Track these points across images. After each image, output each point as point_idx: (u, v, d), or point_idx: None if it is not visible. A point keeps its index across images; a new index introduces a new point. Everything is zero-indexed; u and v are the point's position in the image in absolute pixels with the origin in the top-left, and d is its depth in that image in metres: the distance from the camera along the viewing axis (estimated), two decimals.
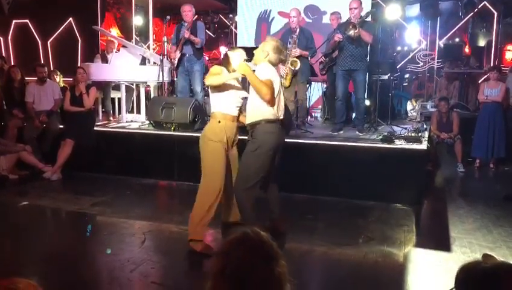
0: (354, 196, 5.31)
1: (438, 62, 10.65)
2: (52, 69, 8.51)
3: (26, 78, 7.49)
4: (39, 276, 3.42)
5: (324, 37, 7.00)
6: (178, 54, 6.87)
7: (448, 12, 11.01)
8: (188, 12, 6.86)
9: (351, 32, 6.00)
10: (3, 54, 9.55)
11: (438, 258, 3.79)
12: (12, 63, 8.94)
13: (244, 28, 9.36)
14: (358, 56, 6.20)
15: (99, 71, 7.45)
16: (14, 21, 10.21)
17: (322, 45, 6.93)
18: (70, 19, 9.94)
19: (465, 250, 3.91)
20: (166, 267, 3.71)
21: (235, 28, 9.76)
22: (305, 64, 6.66)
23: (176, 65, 7.00)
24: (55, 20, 9.94)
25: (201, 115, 6.55)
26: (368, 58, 7.01)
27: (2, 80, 7.44)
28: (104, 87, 8.16)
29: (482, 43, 11.03)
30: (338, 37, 6.20)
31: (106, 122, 7.49)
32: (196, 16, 7.36)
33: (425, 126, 6.93)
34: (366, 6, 7.63)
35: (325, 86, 7.89)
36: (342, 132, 6.38)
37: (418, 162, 5.34)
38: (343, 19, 6.91)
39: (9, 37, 10.38)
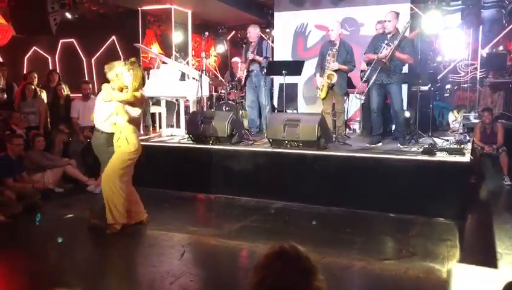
0: (394, 209, 5.20)
1: (480, 72, 10.32)
2: (96, 85, 8.81)
3: (72, 95, 7.81)
4: (82, 287, 3.52)
5: (362, 50, 6.89)
6: (245, 72, 7.39)
7: (491, 20, 10.66)
8: (250, 33, 7.39)
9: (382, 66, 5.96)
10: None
11: (484, 275, 3.62)
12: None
13: (281, 41, 9.41)
14: (393, 70, 6.10)
15: None
16: (61, 41, 10.68)
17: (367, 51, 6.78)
18: (113, 37, 10.31)
19: None
20: (205, 280, 3.74)
21: (272, 42, 9.82)
22: (343, 77, 6.62)
23: (243, 82, 7.54)
24: (99, 39, 10.35)
25: (238, 129, 6.61)
26: (407, 69, 6.86)
27: (49, 97, 7.78)
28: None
29: None
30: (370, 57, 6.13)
31: (147, 136, 7.66)
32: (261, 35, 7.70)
33: (468, 138, 6.71)
34: (405, 15, 7.55)
35: (363, 97, 7.79)
36: (380, 144, 6.26)
37: (460, 175, 5.17)
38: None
39: (57, 56, 10.85)
